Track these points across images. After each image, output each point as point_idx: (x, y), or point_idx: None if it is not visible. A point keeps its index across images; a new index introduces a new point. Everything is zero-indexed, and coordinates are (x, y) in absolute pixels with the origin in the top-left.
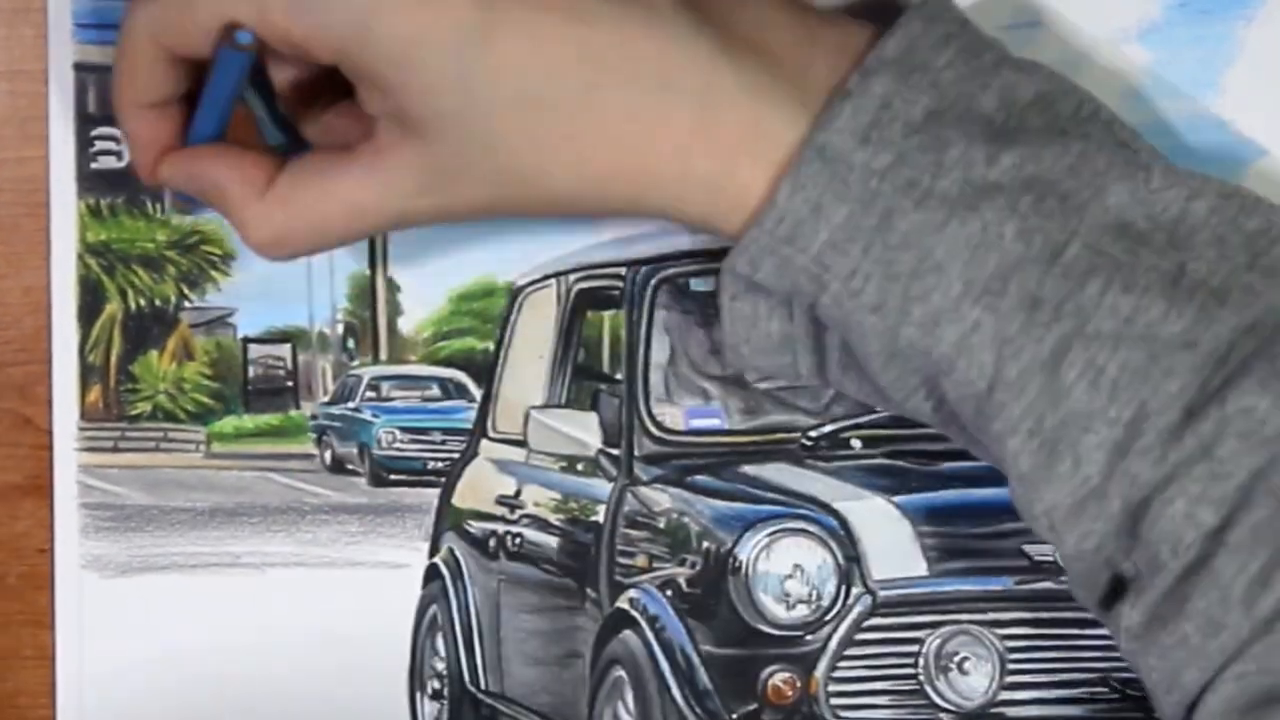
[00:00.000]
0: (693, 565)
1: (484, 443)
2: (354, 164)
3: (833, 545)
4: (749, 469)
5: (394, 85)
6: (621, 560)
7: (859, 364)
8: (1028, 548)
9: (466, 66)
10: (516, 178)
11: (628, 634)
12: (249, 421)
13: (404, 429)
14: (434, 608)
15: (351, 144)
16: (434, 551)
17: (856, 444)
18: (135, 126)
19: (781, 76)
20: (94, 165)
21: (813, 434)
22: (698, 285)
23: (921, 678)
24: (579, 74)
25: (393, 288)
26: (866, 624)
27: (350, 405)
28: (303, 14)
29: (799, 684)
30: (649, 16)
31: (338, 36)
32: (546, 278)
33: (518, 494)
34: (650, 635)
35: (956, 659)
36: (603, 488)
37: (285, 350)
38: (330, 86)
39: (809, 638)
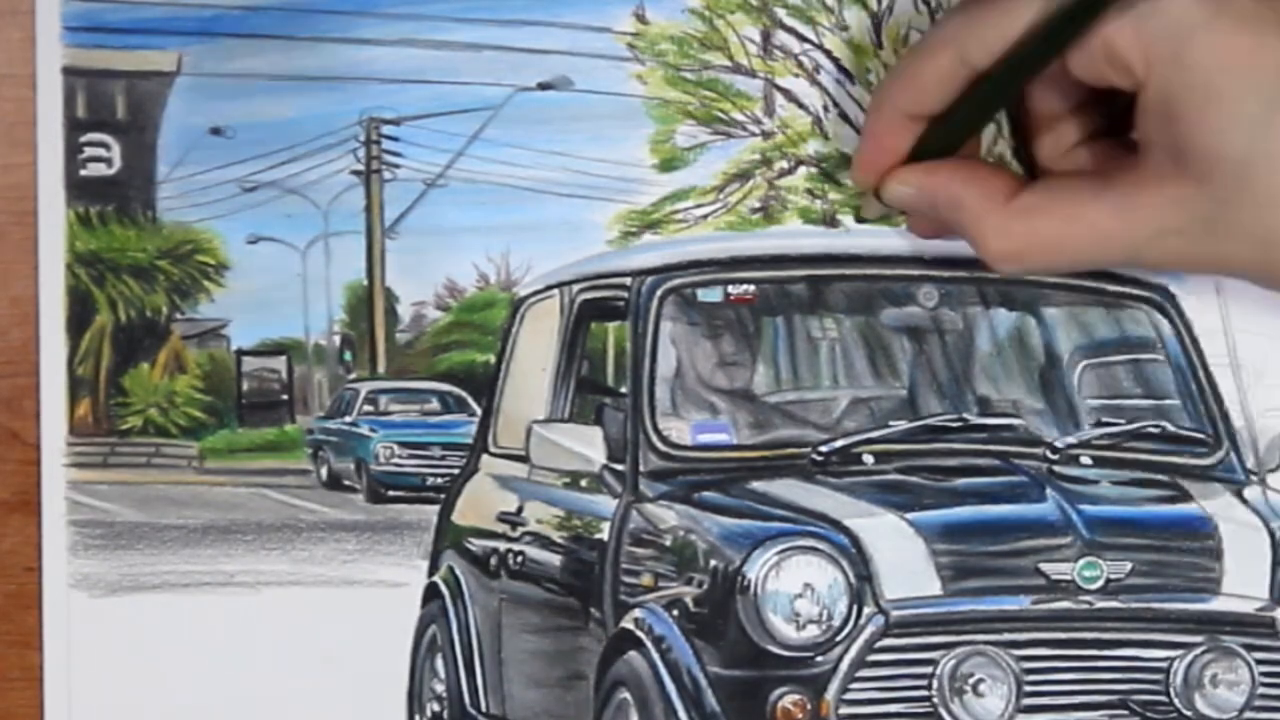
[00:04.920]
0: (700, 584)
1: (485, 458)
2: (1108, 191)
3: (844, 564)
4: (758, 485)
5: (1186, 113)
6: (626, 579)
7: None
8: (1045, 566)
9: (1271, 112)
10: (1275, 248)
11: (633, 655)
12: (242, 436)
13: (402, 444)
14: (433, 628)
15: (1102, 173)
16: (433, 570)
17: (868, 459)
18: (884, 129)
19: None
20: (83, 172)
21: (823, 449)
22: (705, 296)
23: (936, 700)
24: None
25: (391, 298)
26: (879, 645)
27: (347, 419)
28: (1123, 27)
29: (809, 706)
30: None
31: (1150, 52)
32: (549, 288)
33: (519, 511)
34: (656, 656)
35: (972, 680)
36: (607, 504)
37: (280, 363)
38: (1077, 118)
39: (820, 659)
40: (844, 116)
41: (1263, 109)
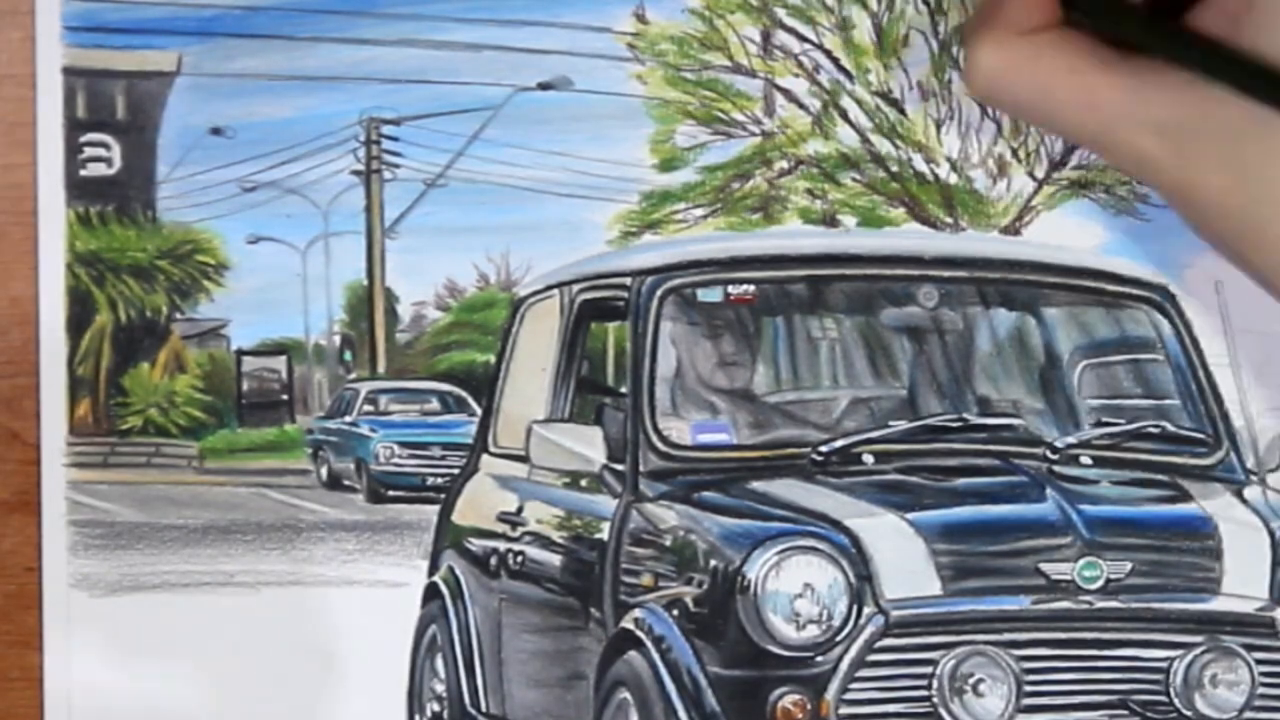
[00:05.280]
0: (700, 584)
1: (485, 458)
2: (1127, 65)
3: (844, 564)
4: (758, 485)
5: (1263, 14)
6: (626, 579)
7: None
8: (1045, 566)
9: None
10: (1263, 192)
11: (633, 655)
12: (243, 436)
13: (402, 444)
14: (433, 628)
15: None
16: (433, 570)
17: (868, 459)
18: None
19: None
20: (83, 172)
21: (823, 449)
22: (705, 296)
23: (936, 700)
24: None
25: (391, 298)
26: (879, 645)
27: (347, 419)
28: None
29: (809, 706)
30: None
31: None
32: (549, 288)
33: (520, 511)
34: (656, 656)
35: (972, 680)
36: (607, 504)
37: (280, 363)
38: None
39: (820, 659)
40: (844, 116)
41: None
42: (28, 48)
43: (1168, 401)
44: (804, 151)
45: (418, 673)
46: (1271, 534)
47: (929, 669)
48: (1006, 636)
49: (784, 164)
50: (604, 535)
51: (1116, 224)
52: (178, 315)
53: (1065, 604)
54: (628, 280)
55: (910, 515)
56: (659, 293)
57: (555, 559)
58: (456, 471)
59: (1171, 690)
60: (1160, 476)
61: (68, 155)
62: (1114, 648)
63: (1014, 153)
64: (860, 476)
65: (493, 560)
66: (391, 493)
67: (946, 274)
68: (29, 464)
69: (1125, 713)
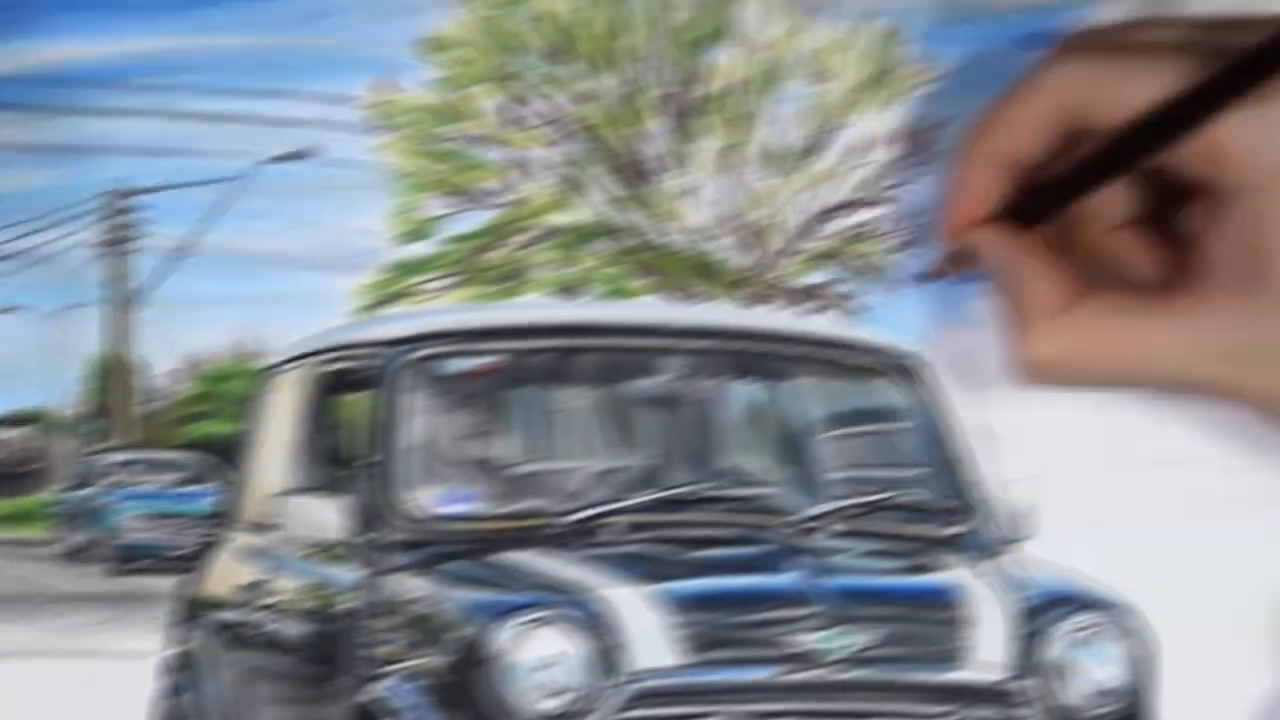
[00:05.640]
0: (444, 655)
1: (232, 529)
2: (1170, 307)
3: (588, 635)
4: (502, 556)
5: (1265, 213)
6: (371, 650)
7: None
8: (790, 637)
9: None
10: None
11: None
12: None
13: (148, 514)
14: (178, 698)
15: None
16: (179, 640)
17: (614, 530)
18: (982, 175)
19: None
20: None
21: (569, 520)
22: (452, 367)
23: None
24: None
25: (138, 369)
26: (624, 716)
27: (92, 490)
28: (1241, 125)
29: None
30: None
31: (1261, 163)
32: (296, 359)
33: (266, 581)
34: None
35: None
36: (353, 575)
37: (23, 433)
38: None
39: None
40: (589, 187)
41: None
42: None
43: (915, 472)
44: (549, 222)
45: None
46: (1017, 604)
47: None
48: (752, 708)
49: (528, 235)
50: (348, 606)
51: (865, 294)
52: None
53: (812, 675)
54: (374, 351)
55: (655, 586)
56: (405, 364)
57: (301, 629)
58: (202, 542)
59: None
60: (907, 547)
61: None
62: (862, 718)
63: (760, 223)
64: (605, 547)
65: (239, 630)
66: (137, 563)
67: (692, 345)
68: None
69: None
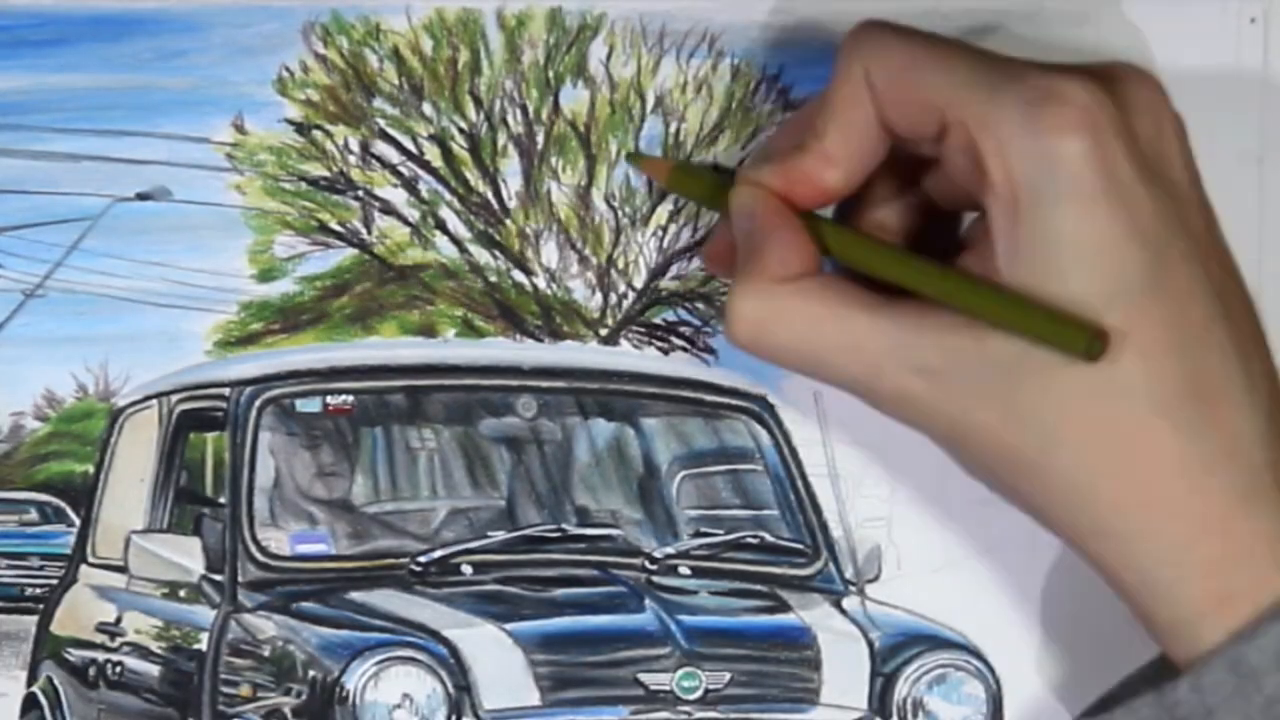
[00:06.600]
0: (299, 694)
1: (84, 568)
2: (891, 307)
3: (443, 674)
4: (357, 595)
5: (1021, 266)
6: (225, 689)
7: None
8: (643, 676)
9: (1102, 311)
10: (1031, 428)
11: None
12: None
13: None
14: None
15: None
16: (32, 680)
17: (467, 570)
18: (785, 140)
19: None
20: None
21: (422, 559)
22: (304, 406)
23: None
24: (1177, 396)
25: None
26: None
27: None
28: (1001, 137)
29: None
30: (1257, 414)
31: (1016, 181)
32: (148, 398)
33: (118, 621)
34: None
35: None
36: (206, 615)
37: None
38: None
39: None
40: (442, 227)
41: (1097, 301)
42: None
43: (767, 512)
44: (402, 261)
45: None
46: (870, 644)
47: None
48: None
49: (383, 274)
50: (203, 645)
51: (716, 333)
52: None
53: (664, 715)
54: (226, 390)
55: (509, 625)
56: (257, 403)
57: (154, 669)
58: (55, 582)
59: None
60: (759, 587)
61: None
62: None
63: (612, 263)
64: (459, 587)
65: (91, 670)
66: None
67: (544, 384)
68: None
69: None
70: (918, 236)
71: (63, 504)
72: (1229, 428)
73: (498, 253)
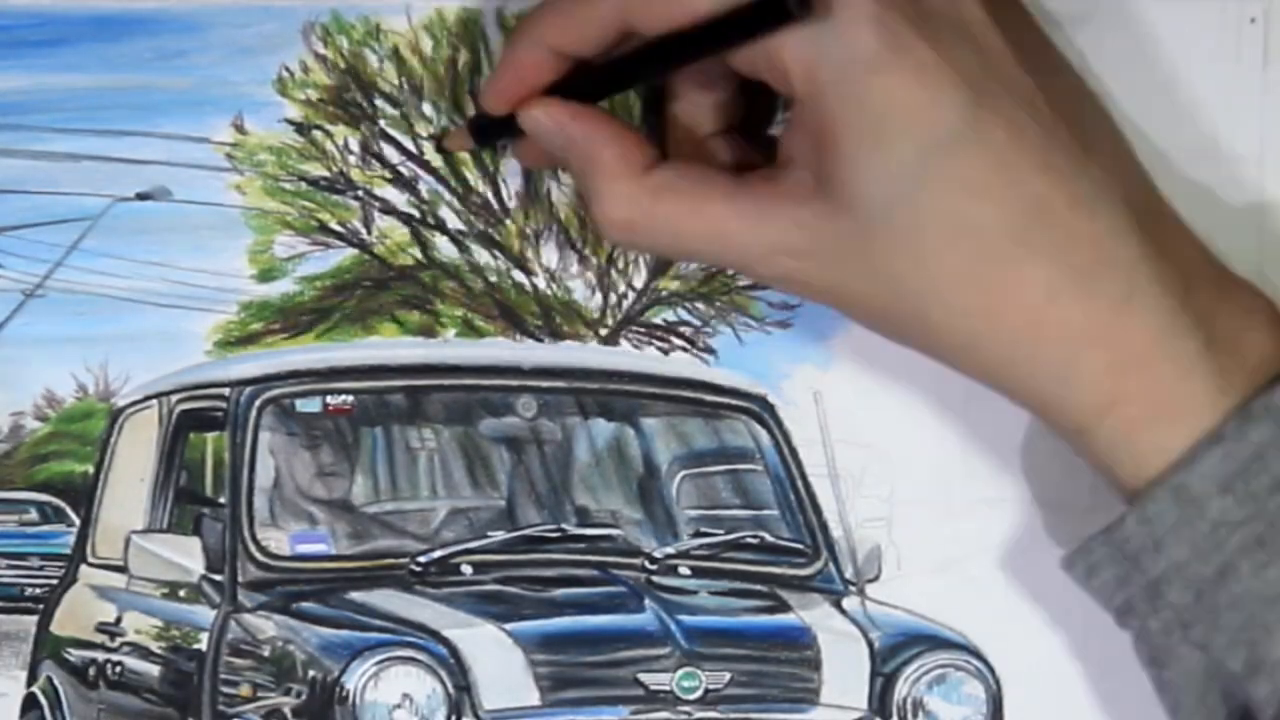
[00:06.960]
0: (298, 694)
1: (84, 568)
2: (741, 194)
3: (442, 674)
4: (356, 595)
5: (841, 145)
6: (225, 689)
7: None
8: (643, 676)
9: (928, 167)
10: (899, 291)
11: None
12: None
13: (1, 554)
14: None
15: (740, 175)
16: (32, 680)
17: (467, 570)
18: (527, 58)
19: (1197, 314)
20: None
21: (422, 559)
22: (304, 406)
23: None
24: (1025, 224)
25: None
26: None
27: None
28: (795, 40)
29: None
30: (1116, 216)
31: (816, 74)
32: (148, 398)
33: (118, 621)
34: None
35: None
36: (206, 615)
37: None
38: (718, 108)
39: None
40: (441, 227)
41: (919, 160)
42: None
43: (767, 512)
44: (402, 262)
45: None
46: (870, 644)
47: None
48: None
49: (383, 274)
50: (202, 645)
51: (716, 333)
52: None
53: (664, 714)
54: (226, 390)
55: (509, 625)
56: (257, 403)
57: (154, 669)
58: (55, 582)
59: None
60: (759, 587)
61: None
62: None
63: (611, 263)
64: (459, 587)
65: (91, 670)
66: None
67: (545, 384)
68: None
69: None
70: (736, 111)
71: (63, 504)
72: (1088, 237)
73: (498, 253)
